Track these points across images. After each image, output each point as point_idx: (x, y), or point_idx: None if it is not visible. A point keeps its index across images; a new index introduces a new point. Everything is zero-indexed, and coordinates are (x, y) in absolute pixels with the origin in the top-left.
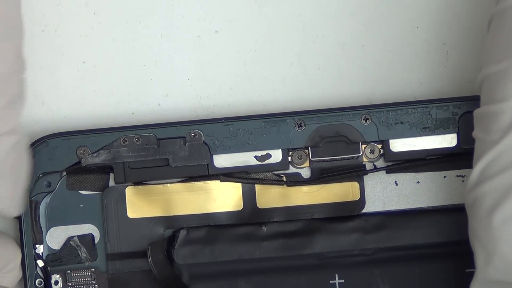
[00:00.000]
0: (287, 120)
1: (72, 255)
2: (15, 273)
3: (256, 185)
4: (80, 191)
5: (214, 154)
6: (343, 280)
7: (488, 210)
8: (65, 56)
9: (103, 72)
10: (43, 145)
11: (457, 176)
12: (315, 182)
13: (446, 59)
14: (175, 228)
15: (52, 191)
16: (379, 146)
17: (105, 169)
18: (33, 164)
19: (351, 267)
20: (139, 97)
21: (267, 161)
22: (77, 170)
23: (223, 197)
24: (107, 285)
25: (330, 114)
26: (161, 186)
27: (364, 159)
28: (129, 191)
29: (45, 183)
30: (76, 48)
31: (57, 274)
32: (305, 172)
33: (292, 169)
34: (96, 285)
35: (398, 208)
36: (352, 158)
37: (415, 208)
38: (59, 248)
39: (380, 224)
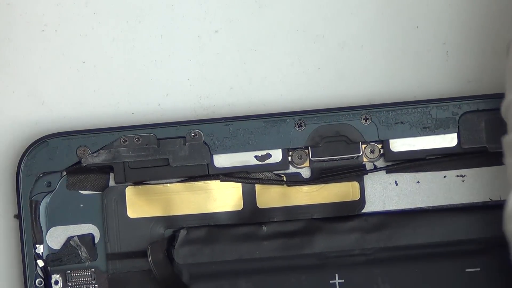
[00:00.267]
0: (287, 120)
1: (72, 255)
2: None
3: (256, 185)
4: (80, 191)
5: (214, 154)
6: (343, 280)
7: None
8: (65, 56)
9: (103, 72)
10: (43, 145)
11: (457, 176)
12: (315, 182)
13: (446, 59)
14: (175, 228)
15: (52, 191)
16: (379, 146)
17: (105, 169)
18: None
19: (351, 267)
20: (139, 97)
21: (267, 161)
22: (77, 170)
23: (223, 197)
24: (107, 285)
25: (330, 114)
26: (161, 186)
27: (364, 159)
28: (129, 191)
29: (45, 183)
30: (76, 48)
31: (57, 274)
32: (305, 172)
33: (292, 169)
34: (96, 285)
35: (398, 208)
36: (352, 158)
37: (415, 208)
38: (59, 248)
39: (380, 224)
